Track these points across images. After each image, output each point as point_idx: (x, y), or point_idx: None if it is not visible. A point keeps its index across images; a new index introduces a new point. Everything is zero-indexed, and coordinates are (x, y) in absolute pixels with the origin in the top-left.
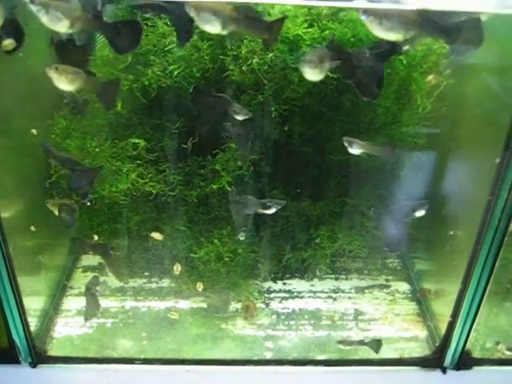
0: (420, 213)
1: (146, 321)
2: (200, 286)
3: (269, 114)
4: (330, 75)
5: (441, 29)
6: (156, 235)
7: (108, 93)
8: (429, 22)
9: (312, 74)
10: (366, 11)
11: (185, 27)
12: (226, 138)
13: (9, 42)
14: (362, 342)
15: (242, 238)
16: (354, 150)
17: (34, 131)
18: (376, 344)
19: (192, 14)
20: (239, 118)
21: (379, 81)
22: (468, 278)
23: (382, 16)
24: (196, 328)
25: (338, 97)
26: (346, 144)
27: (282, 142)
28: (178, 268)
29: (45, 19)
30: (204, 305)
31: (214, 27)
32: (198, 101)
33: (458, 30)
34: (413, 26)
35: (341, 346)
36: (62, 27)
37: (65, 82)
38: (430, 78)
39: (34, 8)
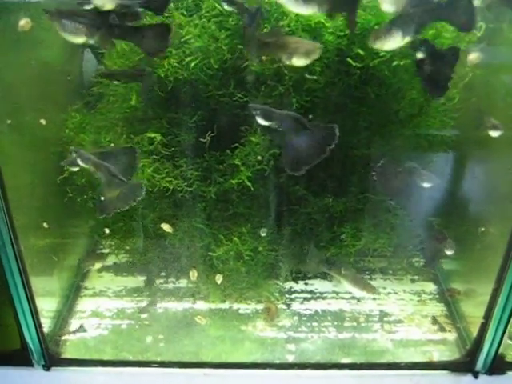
0: None
1: (162, 322)
2: (219, 278)
3: (289, 105)
4: (354, 64)
5: None
6: (166, 227)
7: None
8: None
9: None
10: None
11: None
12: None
13: (25, 22)
14: None
15: (263, 234)
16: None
17: (43, 121)
18: None
19: None
20: (425, 184)
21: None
22: (501, 277)
23: None
24: (215, 330)
25: (362, 87)
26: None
27: None
28: (194, 274)
29: None
30: (223, 306)
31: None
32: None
33: None
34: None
35: None
36: None
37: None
38: (472, 56)
39: None
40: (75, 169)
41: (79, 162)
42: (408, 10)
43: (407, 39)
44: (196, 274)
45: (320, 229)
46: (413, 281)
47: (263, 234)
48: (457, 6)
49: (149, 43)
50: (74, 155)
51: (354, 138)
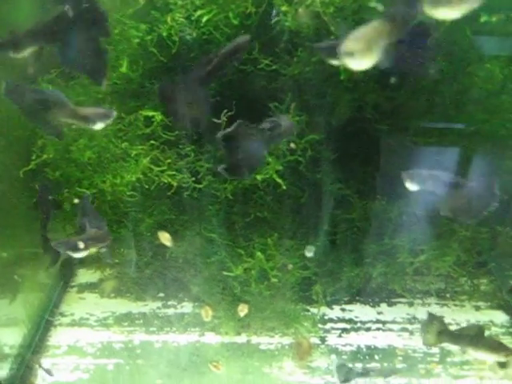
0: None
1: (161, 361)
2: (243, 310)
3: (334, 76)
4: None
5: None
6: (164, 237)
7: None
8: None
9: None
10: None
11: None
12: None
13: None
14: None
15: (309, 255)
16: None
17: None
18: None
19: None
20: None
21: None
22: None
23: None
24: (229, 372)
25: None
26: None
27: (349, 116)
28: (207, 312)
29: None
30: (240, 339)
31: None
32: None
33: None
34: None
35: None
36: None
37: None
38: None
39: None
40: None
41: None
42: None
43: None
44: (210, 313)
45: (366, 240)
46: (477, 308)
47: (309, 254)
48: None
49: None
50: None
51: (415, 123)
